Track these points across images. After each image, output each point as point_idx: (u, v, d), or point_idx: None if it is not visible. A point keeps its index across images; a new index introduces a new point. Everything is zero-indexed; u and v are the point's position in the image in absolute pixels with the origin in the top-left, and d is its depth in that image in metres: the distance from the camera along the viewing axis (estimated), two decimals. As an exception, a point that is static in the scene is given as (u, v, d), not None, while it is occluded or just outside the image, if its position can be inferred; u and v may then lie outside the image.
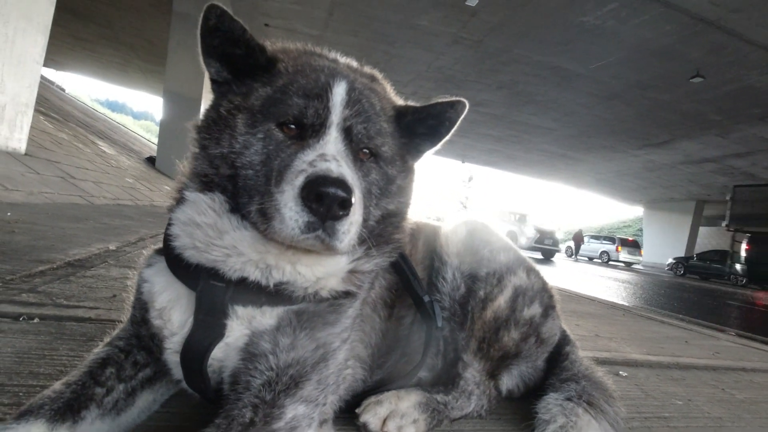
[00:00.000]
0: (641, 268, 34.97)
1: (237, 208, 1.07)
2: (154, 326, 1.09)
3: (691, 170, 28.33)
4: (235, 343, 1.04)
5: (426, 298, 1.38)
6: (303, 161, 1.00)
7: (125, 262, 3.14)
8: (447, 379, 1.46)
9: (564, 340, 1.72)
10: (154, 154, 16.70)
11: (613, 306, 5.55)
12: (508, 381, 1.55)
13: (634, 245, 35.73)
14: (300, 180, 0.95)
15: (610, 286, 13.72)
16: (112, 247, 3.64)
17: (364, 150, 1.14)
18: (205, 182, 1.10)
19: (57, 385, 1.01)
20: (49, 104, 14.03)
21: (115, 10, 17.65)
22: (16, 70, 7.36)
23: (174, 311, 1.07)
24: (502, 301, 1.48)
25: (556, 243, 26.34)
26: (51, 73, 29.24)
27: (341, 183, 0.93)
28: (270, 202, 0.97)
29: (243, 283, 1.05)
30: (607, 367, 2.23)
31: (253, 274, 1.05)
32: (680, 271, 30.31)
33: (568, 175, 37.16)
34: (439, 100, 1.25)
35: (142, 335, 1.14)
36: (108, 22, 19.43)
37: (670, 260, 32.04)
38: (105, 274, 2.63)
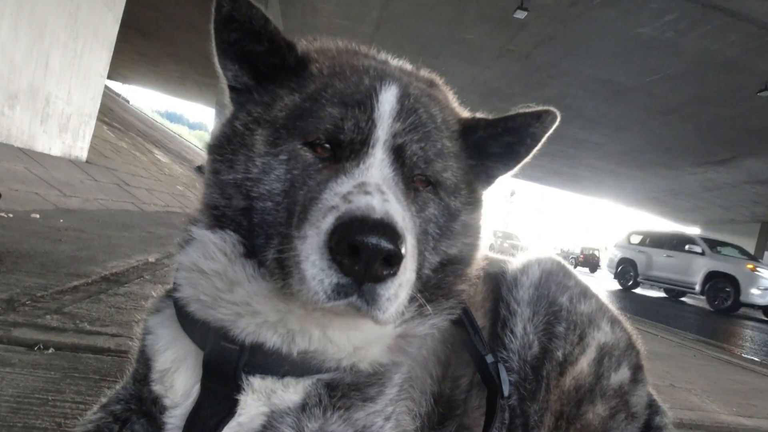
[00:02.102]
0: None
1: (253, 251, 0.84)
2: (154, 391, 0.89)
3: (756, 190, 26.08)
4: (250, 423, 0.82)
5: (489, 359, 1.10)
6: (334, 193, 0.74)
7: (161, 277, 3.06)
8: (514, 464, 1.18)
9: (652, 408, 1.40)
10: (204, 162, 17.39)
11: (681, 344, 4.97)
12: (589, 464, 1.25)
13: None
14: (328, 222, 0.69)
15: (665, 314, 12.64)
16: (151, 259, 3.61)
17: (419, 176, 0.89)
18: (216, 216, 0.88)
19: None
20: (113, 115, 14.92)
21: (176, 28, 18.69)
22: (82, 83, 7.81)
23: (178, 375, 0.87)
24: (584, 364, 1.19)
25: None
26: (117, 86, 31.38)
27: (386, 228, 0.67)
28: (289, 250, 0.73)
29: (260, 347, 0.83)
30: (695, 434, 1.86)
31: (271, 340, 0.82)
32: (744, 301, 27.74)
33: (617, 193, 35.29)
34: (521, 111, 0.98)
35: (144, 397, 0.94)
36: (170, 39, 20.61)
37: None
38: (137, 291, 2.54)
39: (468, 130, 1.00)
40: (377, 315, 0.71)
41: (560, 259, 1.37)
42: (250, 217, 0.84)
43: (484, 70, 16.86)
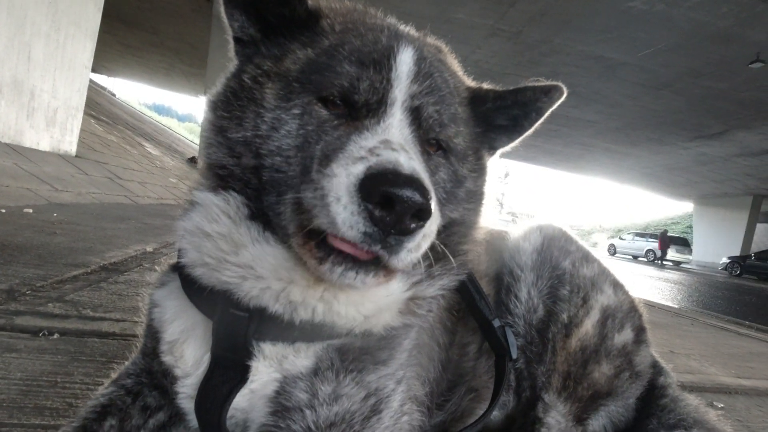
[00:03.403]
0: (693, 267, 32.93)
1: (260, 212, 0.83)
2: (165, 363, 0.89)
3: (748, 163, 26.25)
4: (262, 390, 0.81)
5: (496, 323, 1.11)
6: (360, 146, 0.73)
7: (160, 264, 3.05)
8: (523, 424, 1.19)
9: (656, 368, 1.42)
10: (197, 154, 17.23)
11: (677, 314, 5.05)
12: (595, 423, 1.26)
13: (683, 243, 33.72)
14: (359, 169, 0.68)
15: (661, 287, 12.83)
16: (149, 248, 3.59)
17: (432, 140, 0.88)
18: (222, 177, 0.86)
19: None
20: (100, 108, 14.67)
21: (160, 16, 18.25)
22: (67, 75, 7.64)
23: (187, 345, 0.86)
24: (589, 326, 1.20)
25: None
26: (102, 79, 30.79)
27: (417, 183, 0.66)
28: (312, 190, 0.71)
29: (268, 312, 0.82)
30: (696, 395, 1.89)
31: (273, 307, 0.81)
32: (736, 271, 28.21)
33: (612, 170, 35.39)
34: (530, 85, 0.99)
35: (155, 371, 0.94)
36: (154, 29, 20.14)
37: (725, 259, 29.87)
38: (138, 279, 2.53)
39: (476, 99, 1.01)
40: (394, 264, 0.71)
41: (561, 225, 1.38)
42: (260, 176, 0.82)
43: (475, 50, 16.66)
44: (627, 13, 12.94)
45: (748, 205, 33.00)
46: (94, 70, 8.15)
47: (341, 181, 0.68)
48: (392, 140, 0.75)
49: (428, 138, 0.87)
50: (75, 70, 7.85)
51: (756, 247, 32.64)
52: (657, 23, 13.22)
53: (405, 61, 0.85)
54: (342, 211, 0.67)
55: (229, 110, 0.86)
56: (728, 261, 29.35)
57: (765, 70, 14.69)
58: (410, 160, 0.71)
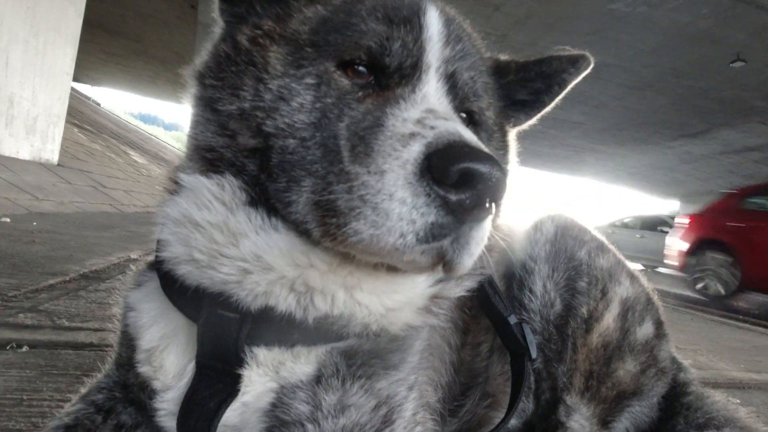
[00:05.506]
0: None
1: (261, 198, 0.69)
2: (142, 374, 0.77)
3: (731, 160, 26.73)
4: (256, 403, 0.70)
5: (512, 320, 1.01)
6: (402, 119, 0.61)
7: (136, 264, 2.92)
8: (545, 430, 1.09)
9: (675, 363, 1.35)
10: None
11: (675, 308, 5.03)
12: (619, 426, 1.17)
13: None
14: (415, 150, 0.56)
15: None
16: (133, 255, 3.45)
17: (463, 113, 0.78)
18: (210, 159, 0.72)
19: None
20: (84, 117, 14.37)
21: (144, 24, 17.99)
22: (47, 83, 7.43)
23: (168, 353, 0.74)
24: (609, 320, 1.12)
25: None
26: (86, 89, 30.26)
27: (491, 157, 0.55)
28: (348, 190, 0.58)
29: (266, 313, 0.69)
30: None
31: (285, 302, 0.68)
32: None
33: (598, 170, 35.76)
34: (556, 55, 0.91)
35: (131, 384, 0.82)
36: (138, 37, 19.84)
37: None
38: (120, 286, 2.39)
39: (498, 70, 0.92)
40: (463, 263, 0.59)
41: (572, 215, 1.29)
42: (265, 159, 0.68)
43: (462, 53, 16.80)
44: (610, 15, 13.12)
45: (733, 202, 33.61)
46: (77, 80, 7.94)
47: (395, 176, 0.55)
48: (437, 109, 0.63)
49: (463, 108, 0.77)
50: (56, 77, 7.64)
51: (741, 243, 33.21)
52: (639, 25, 13.44)
53: (434, 21, 0.74)
54: (398, 206, 0.55)
55: (221, 77, 0.72)
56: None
57: (746, 69, 15.00)
58: (468, 132, 0.60)
